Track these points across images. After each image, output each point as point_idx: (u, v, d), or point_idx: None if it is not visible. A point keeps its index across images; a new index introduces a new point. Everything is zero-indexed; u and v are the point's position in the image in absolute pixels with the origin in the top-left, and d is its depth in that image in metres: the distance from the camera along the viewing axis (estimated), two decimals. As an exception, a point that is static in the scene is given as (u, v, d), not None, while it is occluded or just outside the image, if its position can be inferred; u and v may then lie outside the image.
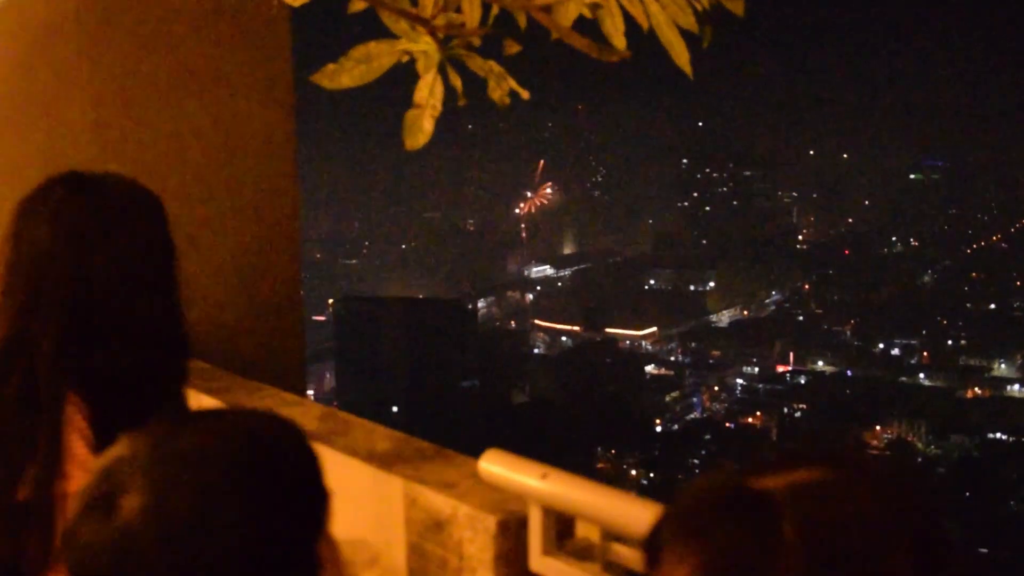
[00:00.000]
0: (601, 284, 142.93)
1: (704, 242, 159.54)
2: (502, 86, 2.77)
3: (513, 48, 2.73)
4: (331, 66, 2.76)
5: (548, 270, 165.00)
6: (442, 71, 2.91)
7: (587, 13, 2.60)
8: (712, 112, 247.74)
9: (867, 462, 1.05)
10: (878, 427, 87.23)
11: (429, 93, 2.85)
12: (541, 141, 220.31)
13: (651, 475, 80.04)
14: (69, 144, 4.08)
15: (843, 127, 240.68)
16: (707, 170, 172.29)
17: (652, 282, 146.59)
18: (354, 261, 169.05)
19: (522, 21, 2.94)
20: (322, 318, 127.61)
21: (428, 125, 2.87)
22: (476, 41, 2.75)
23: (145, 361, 2.00)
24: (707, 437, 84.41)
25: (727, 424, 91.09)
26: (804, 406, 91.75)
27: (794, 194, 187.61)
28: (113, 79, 4.18)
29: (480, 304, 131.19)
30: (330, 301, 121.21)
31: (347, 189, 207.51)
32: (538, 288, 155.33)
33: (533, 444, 77.38)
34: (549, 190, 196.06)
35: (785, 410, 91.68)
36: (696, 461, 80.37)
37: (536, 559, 2.26)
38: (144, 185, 1.98)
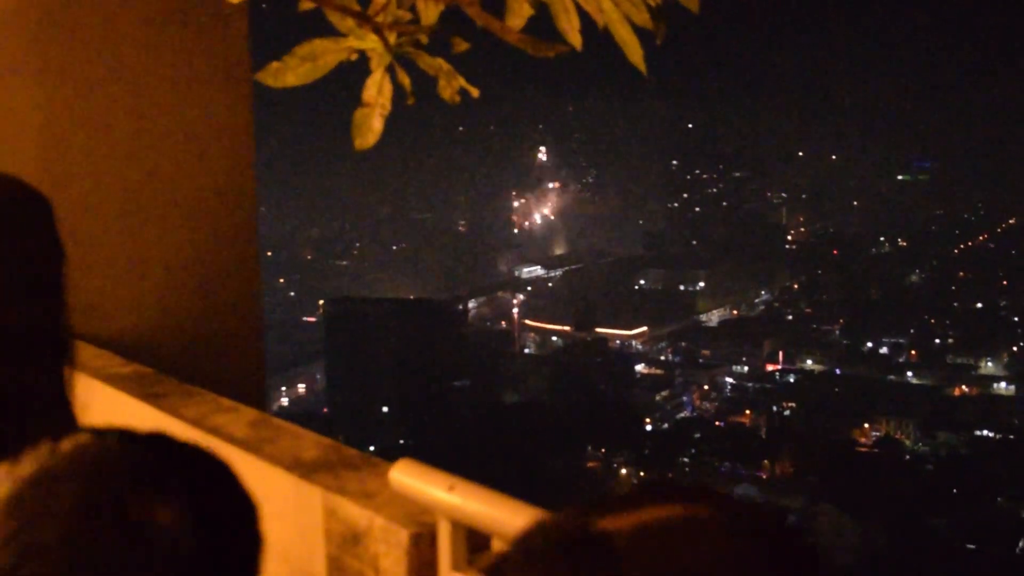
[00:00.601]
0: (591, 284, 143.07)
1: (694, 242, 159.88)
2: (452, 84, 2.70)
3: (461, 46, 2.65)
4: (275, 64, 2.69)
5: (539, 270, 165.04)
6: (392, 70, 2.83)
7: (529, 9, 2.52)
8: (702, 113, 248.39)
9: (728, 504, 0.91)
10: (867, 425, 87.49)
11: (378, 92, 2.77)
12: (532, 142, 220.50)
13: (641, 474, 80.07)
14: (15, 146, 3.97)
15: (832, 129, 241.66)
16: (697, 171, 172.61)
17: (642, 282, 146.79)
18: (345, 262, 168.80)
19: (477, 18, 2.86)
20: (312, 319, 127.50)
21: (378, 124, 2.79)
22: (424, 39, 2.67)
23: (14, 373, 1.82)
24: (697, 436, 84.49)
25: (717, 423, 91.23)
26: (793, 404, 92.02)
27: (783, 195, 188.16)
28: (62, 81, 4.07)
29: (471, 304, 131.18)
30: (320, 302, 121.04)
31: (338, 190, 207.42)
32: (529, 288, 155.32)
33: (524, 443, 77.56)
34: (549, 185, 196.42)
35: (775, 408, 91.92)
36: (686, 460, 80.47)
37: (446, 575, 2.14)
38: (29, 185, 1.81)
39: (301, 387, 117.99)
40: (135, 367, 3.61)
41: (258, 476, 2.68)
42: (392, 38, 2.66)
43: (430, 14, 2.88)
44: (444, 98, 2.79)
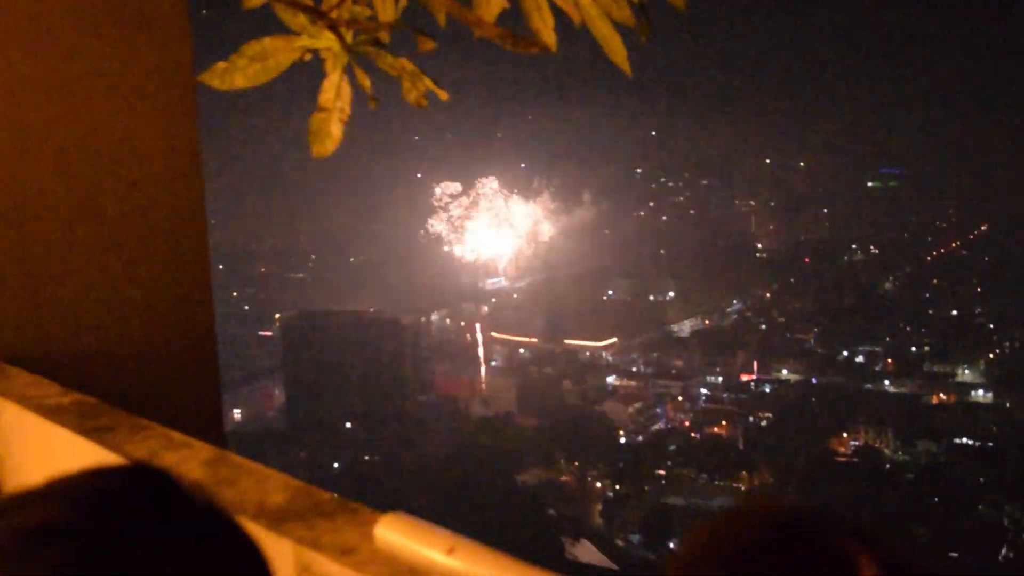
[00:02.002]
0: (559, 295, 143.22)
1: (662, 251, 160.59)
2: (418, 86, 2.55)
3: (427, 45, 2.51)
4: (222, 65, 2.54)
5: (502, 282, 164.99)
6: (352, 71, 2.69)
7: (500, 4, 2.39)
8: (666, 120, 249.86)
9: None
10: (845, 434, 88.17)
11: (336, 95, 2.62)
12: (491, 149, 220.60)
13: (616, 487, 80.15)
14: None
15: (799, 134, 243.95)
16: (662, 179, 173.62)
17: (611, 292, 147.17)
18: (301, 275, 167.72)
19: (441, 16, 2.71)
20: (269, 333, 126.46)
21: (336, 130, 2.64)
22: (385, 38, 2.53)
23: None
24: (672, 448, 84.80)
25: (693, 434, 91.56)
26: (770, 415, 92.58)
27: (752, 203, 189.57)
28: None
29: (433, 317, 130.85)
30: (277, 316, 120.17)
31: (292, 199, 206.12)
32: (494, 300, 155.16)
33: (494, 458, 77.36)
34: (510, 194, 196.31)
35: (751, 419, 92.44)
36: (662, 472, 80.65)
37: None
38: None
39: (258, 404, 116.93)
40: (76, 396, 3.38)
41: None
42: (349, 36, 2.51)
43: (389, 10, 2.74)
44: (409, 101, 2.65)
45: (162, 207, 4.27)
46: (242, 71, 2.50)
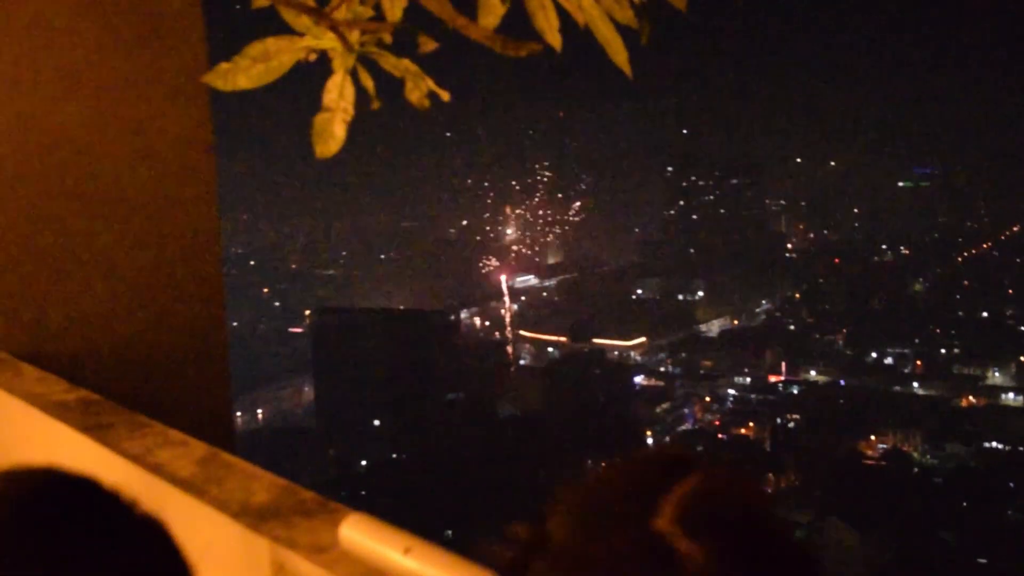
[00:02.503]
0: (588, 294, 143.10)
1: (692, 251, 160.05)
2: (420, 87, 2.54)
3: (429, 45, 2.50)
4: (224, 65, 2.53)
5: (532, 280, 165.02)
6: (356, 71, 2.69)
7: (503, 6, 2.38)
8: (697, 119, 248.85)
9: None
10: (873, 437, 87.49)
11: (339, 95, 2.62)
12: (523, 148, 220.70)
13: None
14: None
15: (831, 134, 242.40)
16: (693, 178, 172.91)
17: (640, 291, 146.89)
18: (332, 271, 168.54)
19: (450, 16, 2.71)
20: (299, 330, 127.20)
21: (340, 131, 2.64)
22: (388, 38, 2.52)
23: None
24: (699, 448, 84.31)
25: (719, 435, 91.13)
26: (797, 416, 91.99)
27: (782, 202, 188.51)
28: (7, 86, 3.91)
29: (463, 315, 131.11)
30: (307, 312, 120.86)
31: (325, 197, 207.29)
32: (523, 298, 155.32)
33: (520, 457, 77.33)
34: (541, 192, 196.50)
35: (778, 420, 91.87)
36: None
37: None
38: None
39: (288, 400, 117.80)
40: (82, 393, 3.43)
41: (202, 523, 2.51)
42: (353, 37, 2.51)
43: (396, 10, 2.74)
44: (411, 102, 2.65)
45: (176, 205, 4.30)
46: (245, 72, 2.50)
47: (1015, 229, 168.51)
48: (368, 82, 2.55)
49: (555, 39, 2.64)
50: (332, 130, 2.65)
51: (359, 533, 1.77)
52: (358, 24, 2.45)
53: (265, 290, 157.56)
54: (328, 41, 2.53)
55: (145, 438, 2.90)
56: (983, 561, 63.99)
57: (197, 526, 2.46)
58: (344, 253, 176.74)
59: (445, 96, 2.56)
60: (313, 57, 2.62)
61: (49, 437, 3.20)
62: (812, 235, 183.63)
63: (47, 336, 4.04)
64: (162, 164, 4.23)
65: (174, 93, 4.00)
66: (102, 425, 3.02)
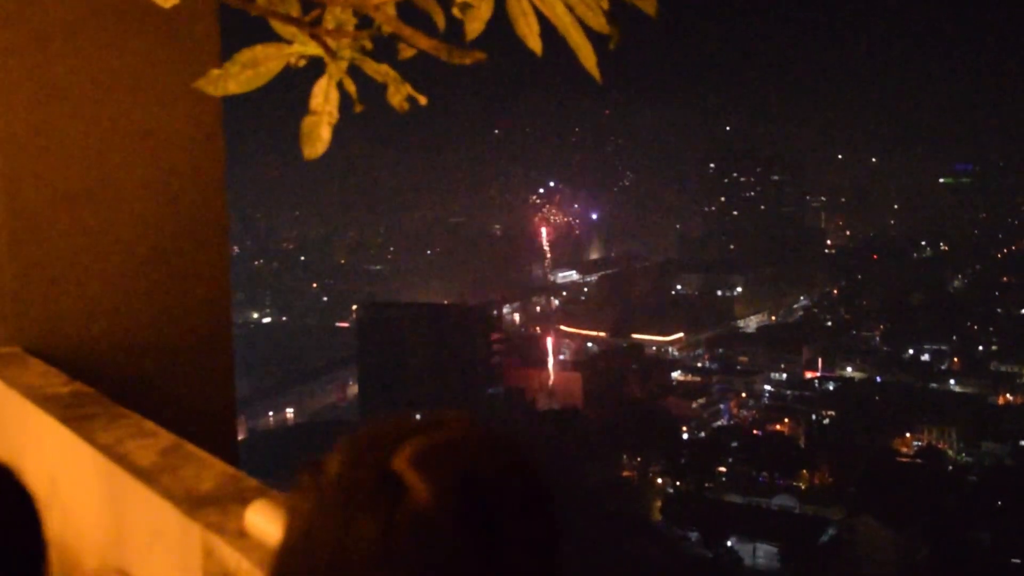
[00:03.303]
0: (628, 289, 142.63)
1: (732, 247, 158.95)
2: (400, 91, 2.62)
3: (407, 52, 2.57)
4: (215, 71, 2.63)
5: (574, 275, 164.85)
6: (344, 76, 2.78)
7: (457, 13, 2.44)
8: (740, 116, 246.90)
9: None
10: (908, 434, 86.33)
11: (324, 99, 2.71)
12: (568, 146, 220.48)
13: (677, 483, 79.53)
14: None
15: (872, 130, 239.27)
16: (734, 174, 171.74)
17: (679, 287, 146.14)
18: (379, 266, 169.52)
19: (440, 21, 2.79)
20: (345, 324, 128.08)
21: (326, 133, 2.72)
22: (368, 44, 2.60)
23: None
24: (734, 445, 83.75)
25: (755, 431, 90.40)
26: (833, 413, 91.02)
27: (822, 198, 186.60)
28: (21, 85, 4.03)
29: (505, 310, 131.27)
30: (354, 307, 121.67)
31: (372, 194, 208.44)
32: (564, 293, 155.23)
33: (558, 452, 77.31)
34: (584, 189, 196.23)
35: (814, 417, 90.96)
36: (723, 469, 79.77)
37: None
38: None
39: (333, 394, 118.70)
40: (76, 386, 3.56)
41: (148, 509, 2.61)
42: (336, 44, 2.59)
43: (387, 15, 2.82)
44: (393, 105, 2.73)
45: (185, 204, 4.39)
46: (235, 77, 2.59)
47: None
48: (351, 87, 2.63)
49: (536, 44, 2.71)
50: (319, 132, 2.74)
51: (261, 517, 1.83)
52: (340, 32, 2.52)
53: (314, 285, 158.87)
54: (314, 48, 2.61)
55: (119, 429, 3.02)
56: (1017, 561, 62.87)
57: (146, 513, 2.58)
58: (392, 249, 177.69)
59: (423, 100, 2.64)
60: (302, 63, 2.71)
61: (39, 428, 3.33)
62: (851, 231, 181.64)
63: (57, 332, 4.15)
64: (171, 164, 4.34)
65: (186, 96, 4.08)
66: (83, 416, 3.14)
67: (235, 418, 4.66)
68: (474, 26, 2.74)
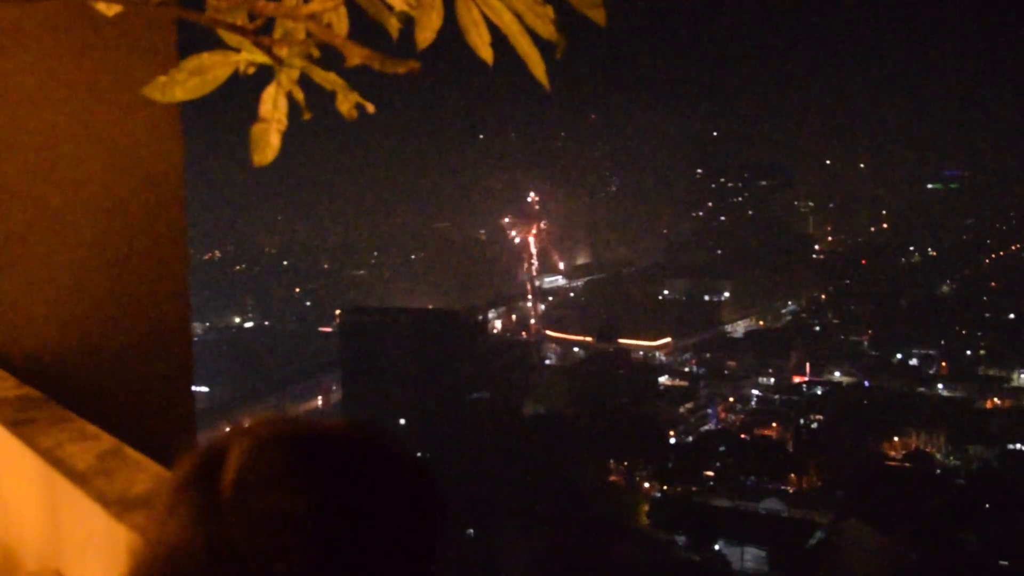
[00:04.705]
0: (614, 294, 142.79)
1: (719, 252, 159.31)
2: (349, 99, 2.64)
3: (359, 60, 2.59)
4: (162, 78, 2.64)
5: (560, 280, 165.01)
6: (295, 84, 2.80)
7: (395, 24, 2.46)
8: (728, 122, 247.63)
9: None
10: (896, 438, 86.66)
11: (273, 106, 2.73)
12: (554, 150, 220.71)
13: (664, 488, 79.61)
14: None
15: (861, 136, 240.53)
16: (722, 179, 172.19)
17: (666, 292, 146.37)
18: (362, 271, 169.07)
19: (393, 30, 2.81)
20: (328, 329, 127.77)
21: (275, 140, 2.74)
22: (315, 52, 2.62)
23: None
24: (722, 449, 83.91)
25: (742, 436, 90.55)
26: (821, 417, 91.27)
27: (811, 204, 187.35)
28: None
29: (490, 314, 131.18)
30: (337, 312, 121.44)
31: (355, 199, 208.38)
32: (550, 298, 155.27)
33: (545, 457, 77.28)
34: (570, 193, 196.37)
35: (802, 421, 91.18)
36: (711, 474, 79.92)
37: None
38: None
39: (316, 398, 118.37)
40: (25, 391, 3.58)
41: (82, 512, 2.63)
42: (282, 52, 2.61)
43: (342, 25, 2.84)
44: (342, 112, 2.75)
45: (142, 209, 4.39)
46: (181, 84, 2.60)
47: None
48: (298, 94, 2.65)
49: (487, 53, 2.73)
50: (268, 139, 2.75)
51: None
52: (285, 40, 2.54)
53: (297, 290, 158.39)
54: (261, 56, 2.63)
55: (61, 432, 3.04)
56: (1005, 563, 63.19)
57: (80, 515, 2.59)
58: (376, 254, 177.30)
59: (371, 108, 2.66)
60: (252, 70, 2.72)
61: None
62: (840, 236, 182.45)
63: (11, 337, 4.16)
64: (128, 169, 4.35)
65: (145, 104, 4.09)
66: (27, 420, 3.16)
67: (194, 421, 4.67)
68: (425, 35, 2.77)
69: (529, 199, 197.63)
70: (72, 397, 3.44)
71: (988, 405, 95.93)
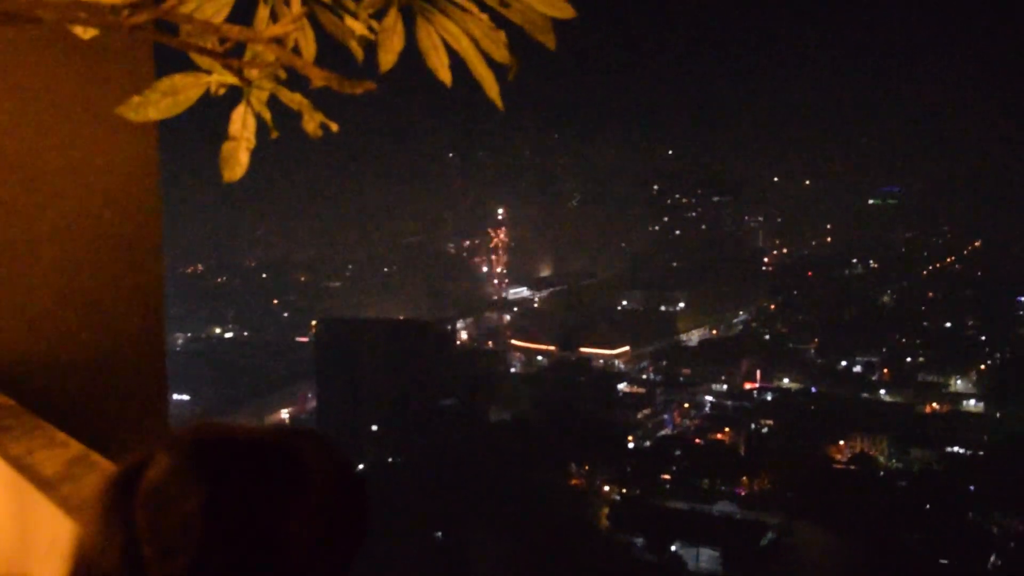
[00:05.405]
0: (575, 305, 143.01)
1: (675, 264, 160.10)
2: (314, 119, 2.65)
3: (320, 81, 2.60)
4: (136, 99, 2.63)
5: (525, 292, 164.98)
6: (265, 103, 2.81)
7: (356, 46, 2.48)
8: (682, 141, 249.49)
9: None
10: (842, 442, 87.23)
11: (242, 125, 2.72)
12: (519, 169, 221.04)
13: (623, 491, 79.61)
14: None
15: (806, 156, 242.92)
16: (677, 196, 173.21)
17: (625, 303, 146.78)
18: (337, 284, 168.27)
19: (358, 54, 2.82)
20: (305, 339, 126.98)
21: (244, 157, 2.73)
22: (282, 74, 2.63)
23: None
24: (678, 453, 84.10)
25: (697, 440, 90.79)
26: (771, 422, 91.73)
27: (760, 219, 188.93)
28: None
29: (459, 325, 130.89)
30: (313, 322, 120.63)
31: (330, 214, 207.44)
32: (515, 309, 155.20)
33: (510, 461, 77.15)
34: (534, 209, 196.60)
35: (753, 426, 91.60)
36: (667, 476, 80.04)
37: None
38: None
39: (293, 406, 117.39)
40: (0, 399, 3.54)
41: (47, 518, 2.59)
42: (251, 74, 2.61)
43: (310, 48, 2.85)
44: (308, 132, 2.75)
45: (119, 224, 4.36)
46: (154, 104, 2.59)
47: (976, 245, 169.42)
48: (266, 114, 2.65)
49: (446, 75, 2.74)
50: (237, 157, 2.75)
51: None
52: (253, 63, 2.55)
53: (275, 301, 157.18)
54: (231, 77, 2.63)
55: (31, 440, 3.00)
56: (944, 562, 63.71)
57: (45, 521, 2.55)
58: (349, 267, 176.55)
59: (334, 127, 2.66)
60: (222, 91, 2.72)
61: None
62: (787, 250, 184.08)
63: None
64: (105, 186, 4.31)
65: (122, 124, 4.06)
66: (1, 428, 3.11)
67: (168, 429, 4.61)
68: (387, 58, 2.77)
69: (495, 215, 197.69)
70: (46, 406, 3.39)
71: (927, 410, 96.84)
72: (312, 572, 1.08)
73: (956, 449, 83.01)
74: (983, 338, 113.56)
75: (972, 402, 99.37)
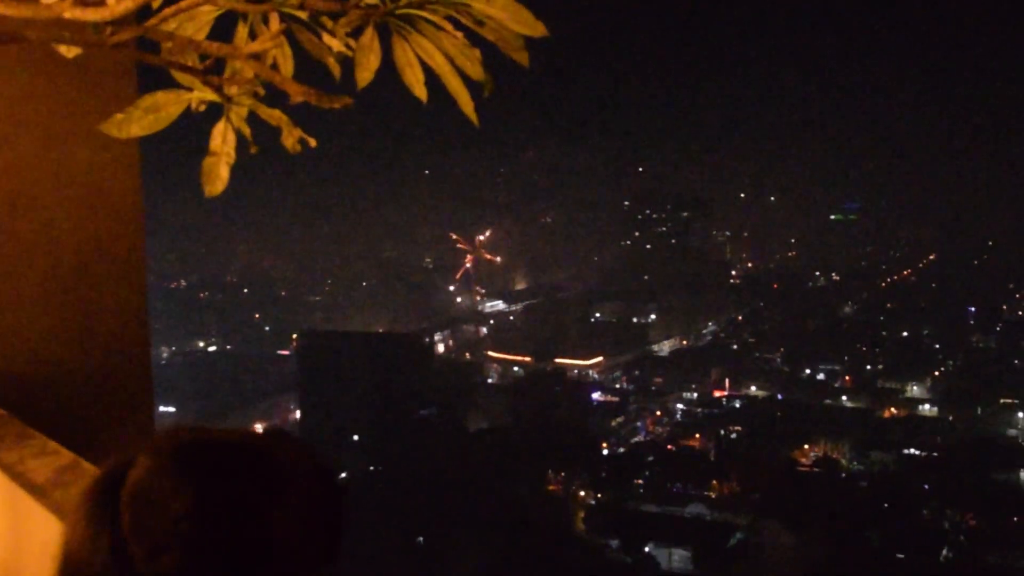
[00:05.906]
0: (550, 317, 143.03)
1: (646, 277, 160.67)
2: (293, 134, 2.63)
3: (298, 97, 2.58)
4: (119, 116, 2.61)
5: (501, 305, 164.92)
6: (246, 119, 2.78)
7: (334, 63, 2.47)
8: (652, 158, 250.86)
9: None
10: (806, 446, 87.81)
11: (223, 141, 2.70)
12: (494, 185, 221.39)
13: (598, 496, 79.62)
14: None
15: (770, 173, 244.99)
16: (648, 211, 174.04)
17: (598, 315, 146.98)
18: (318, 297, 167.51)
19: (336, 70, 2.81)
20: (286, 352, 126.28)
21: (224, 172, 2.71)
22: (261, 91, 2.61)
23: None
24: (650, 459, 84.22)
25: (669, 446, 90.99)
26: (739, 428, 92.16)
27: (727, 233, 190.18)
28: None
29: (436, 337, 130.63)
30: (294, 336, 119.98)
31: (311, 230, 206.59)
32: (491, 321, 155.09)
33: (488, 468, 76.91)
34: (510, 223, 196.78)
35: (722, 432, 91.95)
36: (640, 481, 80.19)
37: None
38: None
39: (276, 417, 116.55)
40: None
41: (39, 523, 2.57)
42: (231, 91, 2.59)
43: (288, 66, 2.84)
44: (286, 147, 2.73)
45: (101, 238, 4.33)
46: (137, 121, 2.57)
47: (931, 258, 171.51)
48: (245, 129, 2.63)
49: (421, 92, 2.73)
50: (218, 172, 2.73)
51: None
52: (232, 80, 2.53)
53: (256, 315, 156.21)
54: (212, 93, 2.61)
55: (24, 448, 2.98)
56: (901, 556, 64.43)
57: (38, 526, 2.53)
58: (329, 281, 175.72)
59: (312, 143, 2.65)
60: (203, 107, 2.70)
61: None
62: (753, 263, 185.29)
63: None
64: (91, 201, 4.28)
65: (106, 140, 4.02)
66: None
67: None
68: (364, 75, 2.76)
69: (472, 230, 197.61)
70: (36, 416, 3.35)
71: (886, 414, 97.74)
72: (295, 566, 1.09)
73: (912, 451, 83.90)
74: (937, 346, 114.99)
75: (927, 407, 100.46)
